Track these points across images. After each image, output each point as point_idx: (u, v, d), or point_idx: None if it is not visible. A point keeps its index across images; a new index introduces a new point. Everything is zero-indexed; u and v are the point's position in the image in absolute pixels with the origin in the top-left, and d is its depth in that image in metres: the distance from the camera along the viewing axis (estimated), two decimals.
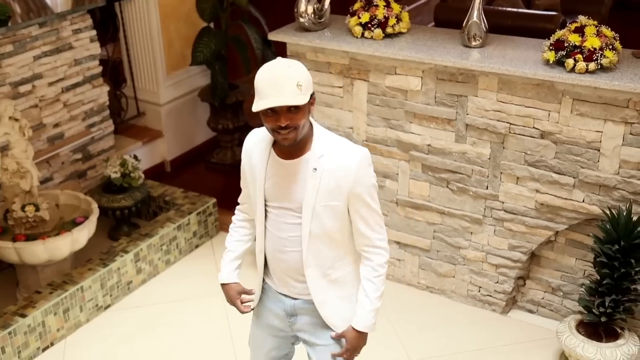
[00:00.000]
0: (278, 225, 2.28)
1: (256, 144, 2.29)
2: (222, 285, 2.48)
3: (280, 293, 2.39)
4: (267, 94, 2.05)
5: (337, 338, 2.36)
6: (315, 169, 2.17)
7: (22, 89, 4.04)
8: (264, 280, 2.44)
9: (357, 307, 2.33)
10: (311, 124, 2.20)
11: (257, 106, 2.07)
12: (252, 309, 2.46)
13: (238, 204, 2.51)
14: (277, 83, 2.04)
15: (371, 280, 2.31)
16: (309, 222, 2.21)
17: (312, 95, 2.13)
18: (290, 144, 2.14)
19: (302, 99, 2.06)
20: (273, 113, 2.07)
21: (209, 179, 5.07)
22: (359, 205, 2.22)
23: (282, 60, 2.11)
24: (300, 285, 2.33)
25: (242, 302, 2.44)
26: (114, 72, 5.03)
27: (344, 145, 2.22)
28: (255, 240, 2.42)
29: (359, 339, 2.35)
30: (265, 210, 2.29)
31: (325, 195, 2.18)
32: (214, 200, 4.45)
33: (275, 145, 2.24)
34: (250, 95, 5.24)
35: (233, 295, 2.45)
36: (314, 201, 2.18)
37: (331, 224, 2.22)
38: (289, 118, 2.07)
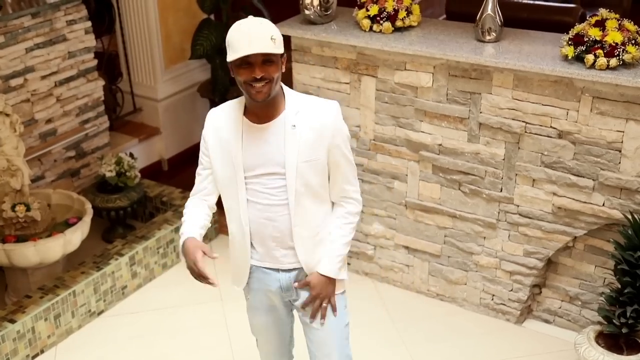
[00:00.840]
0: (264, 194, 2.30)
1: (224, 118, 2.32)
2: (184, 243, 2.34)
3: (272, 269, 2.41)
4: (242, 46, 2.11)
5: (301, 286, 2.41)
6: (294, 125, 2.24)
7: (14, 82, 3.98)
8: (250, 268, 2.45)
9: (323, 252, 2.39)
10: (281, 85, 2.28)
11: (232, 56, 2.13)
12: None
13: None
14: (252, 36, 2.12)
15: (340, 227, 2.40)
16: (294, 181, 2.26)
17: (283, 55, 2.21)
18: (264, 99, 2.18)
19: (277, 50, 2.15)
20: (247, 65, 2.13)
21: None
22: (338, 157, 2.32)
23: (254, 18, 2.21)
24: (291, 254, 2.37)
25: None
26: (109, 65, 4.96)
27: (316, 100, 2.34)
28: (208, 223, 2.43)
29: (325, 284, 2.40)
30: (245, 183, 2.31)
31: (306, 151, 2.25)
32: None
33: (247, 112, 2.28)
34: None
35: (193, 248, 2.30)
36: (297, 158, 2.25)
37: (315, 179, 2.29)
38: (264, 70, 2.14)
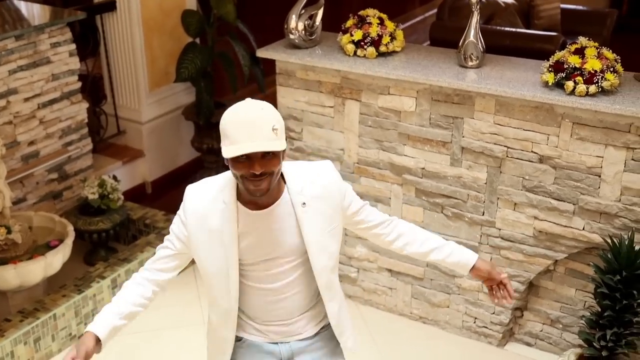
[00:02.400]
0: (267, 278, 2.13)
1: (209, 202, 2.08)
2: (84, 333, 2.12)
3: (270, 343, 2.26)
4: (240, 139, 1.91)
5: (478, 277, 2.34)
6: (304, 203, 2.08)
7: None
8: (240, 340, 2.27)
9: (450, 250, 2.30)
10: None
11: (230, 151, 1.92)
12: None
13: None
14: (251, 126, 1.91)
15: (425, 233, 2.34)
16: (318, 258, 2.12)
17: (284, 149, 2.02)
18: (263, 194, 1.99)
19: (280, 144, 1.94)
20: (246, 159, 1.94)
21: None
22: (357, 208, 2.24)
23: (253, 102, 1.99)
24: (296, 324, 2.24)
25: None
26: (93, 88, 4.96)
27: (310, 166, 2.18)
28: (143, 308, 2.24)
29: (486, 265, 2.34)
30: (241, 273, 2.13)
31: (325, 223, 2.12)
32: None
33: (241, 198, 2.08)
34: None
35: (78, 345, 2.05)
36: (318, 235, 2.10)
37: (335, 247, 2.17)
38: (264, 165, 1.94)
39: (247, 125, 1.91)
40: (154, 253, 2.27)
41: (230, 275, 2.10)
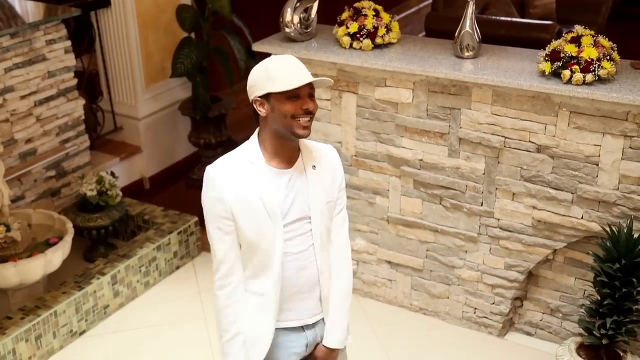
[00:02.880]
0: (296, 242, 2.19)
1: (236, 172, 2.14)
2: None
3: (297, 328, 2.28)
4: (293, 77, 2.05)
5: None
6: (314, 166, 2.20)
7: None
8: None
9: (330, 321, 2.29)
10: None
11: (282, 86, 2.03)
12: None
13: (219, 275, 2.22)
14: (298, 66, 2.08)
15: (343, 286, 2.30)
16: (319, 224, 2.20)
17: None
18: (308, 135, 2.12)
19: (328, 79, 2.13)
20: (295, 98, 2.06)
21: (190, 197, 4.94)
22: (341, 199, 2.30)
23: (282, 54, 2.16)
24: (316, 302, 2.28)
25: None
26: (89, 84, 4.94)
27: (320, 145, 2.30)
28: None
29: (331, 355, 2.34)
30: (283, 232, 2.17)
31: (326, 192, 2.22)
32: (196, 218, 4.34)
33: (268, 159, 2.16)
34: (234, 107, 5.17)
35: None
36: (320, 200, 2.20)
37: (329, 222, 2.25)
38: (312, 102, 2.09)
39: (294, 65, 2.08)
40: (216, 269, 2.21)
41: (276, 233, 2.13)
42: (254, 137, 2.19)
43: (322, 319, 2.31)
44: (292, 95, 2.05)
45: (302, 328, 2.29)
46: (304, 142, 2.22)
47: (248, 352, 2.22)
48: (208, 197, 2.14)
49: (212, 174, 2.14)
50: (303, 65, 2.11)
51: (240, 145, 2.22)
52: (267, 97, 2.08)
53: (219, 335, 2.25)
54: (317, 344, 2.34)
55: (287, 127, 2.08)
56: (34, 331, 3.50)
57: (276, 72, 2.06)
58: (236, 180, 2.12)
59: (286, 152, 2.15)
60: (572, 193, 3.25)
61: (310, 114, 2.09)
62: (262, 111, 2.11)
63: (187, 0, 5.06)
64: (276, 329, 2.24)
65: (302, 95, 2.07)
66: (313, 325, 2.30)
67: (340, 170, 2.29)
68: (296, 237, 2.18)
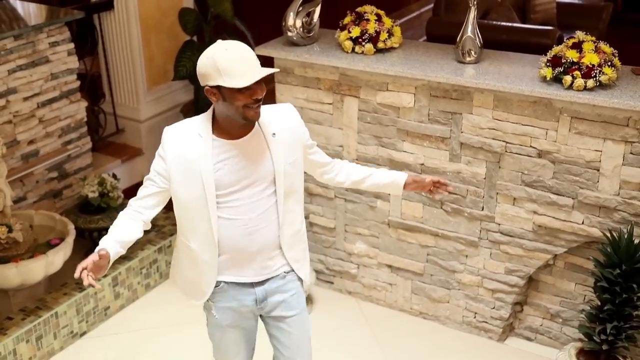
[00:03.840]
0: (244, 209, 2.31)
1: (185, 137, 2.30)
2: (97, 249, 2.22)
3: (246, 284, 2.42)
4: (245, 70, 2.14)
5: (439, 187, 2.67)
6: (274, 133, 2.32)
7: None
8: (217, 286, 2.44)
9: (383, 174, 2.66)
10: None
11: (241, 83, 2.12)
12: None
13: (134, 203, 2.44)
14: (248, 59, 2.17)
15: (357, 166, 2.66)
16: (283, 185, 2.34)
17: None
18: (258, 118, 2.24)
19: (273, 68, 2.24)
20: (246, 89, 2.16)
21: None
22: (312, 147, 2.51)
23: (231, 41, 2.22)
24: (271, 262, 2.42)
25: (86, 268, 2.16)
26: (92, 87, 4.95)
27: (275, 106, 2.43)
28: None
29: (417, 177, 2.68)
30: (217, 202, 2.30)
31: (289, 153, 2.35)
32: None
33: (216, 130, 2.29)
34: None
35: (94, 254, 2.19)
36: (283, 162, 2.33)
37: (297, 179, 2.41)
38: (262, 90, 2.19)
39: (244, 59, 2.16)
40: (137, 194, 2.43)
41: (209, 202, 2.27)
42: (209, 111, 2.32)
43: (280, 275, 2.45)
44: (243, 88, 2.15)
45: (252, 284, 2.43)
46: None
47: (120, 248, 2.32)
48: (157, 152, 2.35)
49: (165, 134, 2.35)
50: (252, 53, 2.18)
51: (199, 115, 2.36)
52: (218, 87, 2.18)
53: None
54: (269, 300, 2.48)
55: (239, 114, 2.21)
56: (35, 332, 3.50)
57: (227, 66, 2.14)
58: (182, 147, 2.28)
59: (238, 128, 2.28)
60: (572, 198, 3.26)
61: (260, 101, 2.21)
62: (213, 99, 2.22)
63: (189, 4, 5.06)
64: (224, 282, 2.41)
65: (252, 86, 2.16)
66: (262, 282, 2.44)
67: (301, 126, 2.43)
68: (248, 204, 2.31)
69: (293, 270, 2.49)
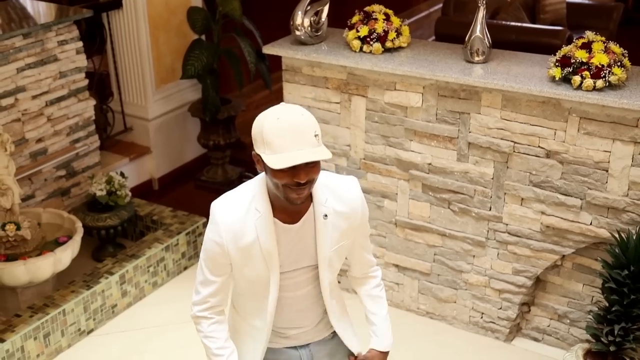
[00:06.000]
0: (293, 288, 2.13)
1: (243, 215, 2.00)
2: None
3: (289, 348, 2.27)
4: (286, 147, 1.83)
5: None
6: (326, 215, 2.04)
7: (4, 102, 3.95)
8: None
9: (375, 328, 2.31)
10: None
11: (278, 163, 1.82)
12: None
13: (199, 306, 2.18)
14: (296, 134, 1.84)
15: (380, 296, 2.33)
16: (326, 273, 2.12)
17: None
18: (303, 202, 1.95)
19: (325, 152, 1.86)
20: (290, 169, 1.85)
21: (199, 198, 4.98)
22: (363, 237, 2.22)
23: (292, 107, 1.91)
24: (314, 328, 2.26)
25: None
26: (100, 85, 4.96)
27: (339, 181, 2.11)
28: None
29: (382, 358, 2.33)
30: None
31: (337, 239, 2.08)
32: (204, 219, 4.35)
33: (275, 211, 2.02)
34: (244, 109, 5.18)
35: None
36: (329, 249, 2.08)
37: (338, 262, 2.17)
38: (308, 173, 1.88)
39: (292, 133, 1.84)
40: (197, 296, 2.16)
41: (272, 282, 2.06)
42: (262, 180, 2.03)
43: (324, 338, 2.29)
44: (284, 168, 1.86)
45: (295, 347, 2.28)
46: (319, 182, 2.04)
47: None
48: (209, 237, 2.04)
49: (216, 216, 2.02)
50: (307, 129, 1.85)
51: (249, 183, 2.08)
52: (261, 156, 1.91)
53: None
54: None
55: (281, 194, 1.93)
56: (43, 329, 3.51)
57: (271, 139, 1.85)
58: (239, 227, 2.00)
59: (289, 208, 2.01)
60: (581, 199, 3.24)
61: (306, 184, 1.90)
62: (258, 167, 1.96)
63: (198, 3, 5.07)
64: (268, 347, 2.23)
65: (298, 166, 1.85)
66: (307, 345, 2.28)
67: (362, 211, 2.12)
68: (295, 284, 2.12)
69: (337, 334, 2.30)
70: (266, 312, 2.13)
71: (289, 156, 1.83)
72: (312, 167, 1.89)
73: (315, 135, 1.86)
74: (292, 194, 1.91)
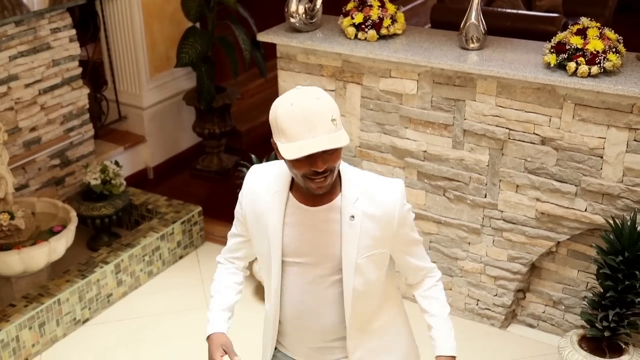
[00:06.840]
0: (303, 286, 1.98)
1: (265, 187, 1.96)
2: (209, 337, 2.07)
3: None
4: (300, 135, 1.74)
5: None
6: (353, 216, 1.89)
7: None
8: (275, 348, 2.15)
9: (431, 331, 2.12)
10: None
11: (291, 153, 1.74)
12: None
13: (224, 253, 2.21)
14: (310, 120, 1.73)
15: (435, 296, 2.12)
16: (352, 280, 1.92)
17: None
18: (324, 191, 1.85)
19: (343, 138, 1.76)
20: (306, 157, 1.76)
21: (194, 187, 4.97)
22: (405, 245, 2.02)
23: (307, 90, 1.81)
24: (328, 350, 2.06)
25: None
26: (94, 73, 4.93)
27: (378, 182, 1.94)
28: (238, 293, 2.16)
29: None
30: (282, 269, 1.99)
31: (368, 245, 1.91)
32: (199, 208, 4.34)
33: (294, 189, 1.93)
34: (239, 97, 5.16)
35: (215, 346, 2.02)
36: (356, 254, 1.90)
37: (376, 275, 1.97)
38: (326, 160, 1.77)
39: (305, 120, 1.74)
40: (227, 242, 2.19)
41: (273, 264, 1.97)
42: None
43: None
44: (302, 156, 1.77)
45: None
46: (354, 179, 1.92)
47: (229, 320, 2.12)
48: (240, 193, 2.05)
49: (247, 177, 2.03)
50: (322, 114, 1.74)
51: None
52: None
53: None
54: None
55: (300, 182, 1.85)
56: (38, 319, 3.51)
57: (282, 126, 1.76)
58: (258, 194, 1.98)
59: (309, 192, 1.89)
60: (576, 185, 3.25)
61: (324, 173, 1.79)
62: (278, 155, 1.84)
63: None
64: (278, 349, 2.15)
65: (315, 154, 1.75)
66: None
67: (399, 217, 1.92)
68: (307, 282, 1.97)
69: None
70: (272, 296, 2.03)
71: (302, 145, 1.73)
72: (330, 155, 1.78)
73: (333, 120, 1.75)
74: (312, 184, 1.82)
